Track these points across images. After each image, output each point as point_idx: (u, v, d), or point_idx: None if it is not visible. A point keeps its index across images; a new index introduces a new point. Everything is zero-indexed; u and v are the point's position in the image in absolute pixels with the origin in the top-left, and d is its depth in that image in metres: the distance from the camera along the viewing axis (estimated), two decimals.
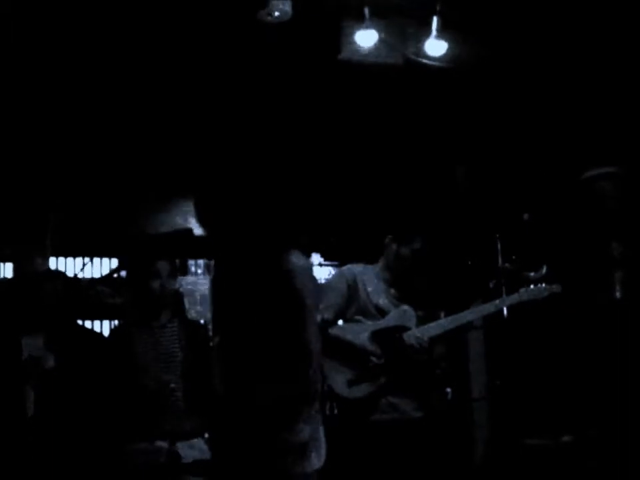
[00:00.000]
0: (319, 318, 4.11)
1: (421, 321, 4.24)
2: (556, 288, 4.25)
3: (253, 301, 2.82)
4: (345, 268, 4.48)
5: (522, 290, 4.26)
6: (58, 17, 4.97)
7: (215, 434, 2.94)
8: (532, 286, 4.26)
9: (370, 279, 4.31)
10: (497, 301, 4.39)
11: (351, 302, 4.26)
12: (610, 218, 4.76)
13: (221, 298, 2.98)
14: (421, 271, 4.37)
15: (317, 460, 2.80)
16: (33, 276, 4.32)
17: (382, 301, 4.27)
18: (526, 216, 5.24)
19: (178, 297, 4.31)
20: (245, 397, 2.80)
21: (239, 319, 2.85)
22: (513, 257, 4.98)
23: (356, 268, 4.39)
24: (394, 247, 4.29)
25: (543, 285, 4.25)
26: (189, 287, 6.37)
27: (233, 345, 2.87)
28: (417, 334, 4.16)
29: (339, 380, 4.13)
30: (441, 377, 4.57)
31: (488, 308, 4.36)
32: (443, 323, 4.26)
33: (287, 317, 2.78)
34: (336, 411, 4.41)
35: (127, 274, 4.65)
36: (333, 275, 4.71)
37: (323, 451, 2.83)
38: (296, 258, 2.84)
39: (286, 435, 2.74)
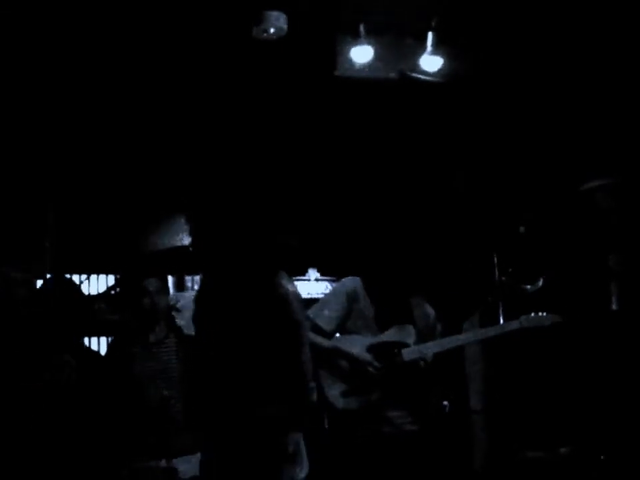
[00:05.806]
0: (319, 326, 4.15)
1: (420, 338, 4.24)
2: (557, 318, 4.27)
3: (248, 323, 2.82)
4: (346, 279, 4.39)
5: (523, 317, 4.25)
6: (58, 17, 4.98)
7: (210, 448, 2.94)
8: (533, 314, 4.26)
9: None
10: (499, 326, 4.41)
11: (350, 314, 4.25)
12: (607, 230, 4.78)
13: (211, 319, 2.96)
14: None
15: (304, 469, 2.83)
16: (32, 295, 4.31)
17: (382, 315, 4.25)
18: (522, 229, 5.27)
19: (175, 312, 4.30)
20: (241, 414, 2.80)
21: (233, 340, 2.85)
22: (510, 270, 4.99)
23: (358, 280, 4.38)
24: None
25: (544, 313, 4.26)
26: (187, 302, 6.35)
27: (227, 366, 2.87)
28: (417, 351, 4.16)
29: (333, 391, 4.12)
30: (438, 391, 4.55)
31: (488, 332, 4.36)
32: (443, 342, 4.24)
33: (282, 342, 2.79)
34: (327, 425, 4.40)
35: (119, 291, 4.68)
36: (335, 286, 4.65)
37: (306, 463, 2.86)
38: (286, 282, 2.84)
39: (283, 444, 2.76)
